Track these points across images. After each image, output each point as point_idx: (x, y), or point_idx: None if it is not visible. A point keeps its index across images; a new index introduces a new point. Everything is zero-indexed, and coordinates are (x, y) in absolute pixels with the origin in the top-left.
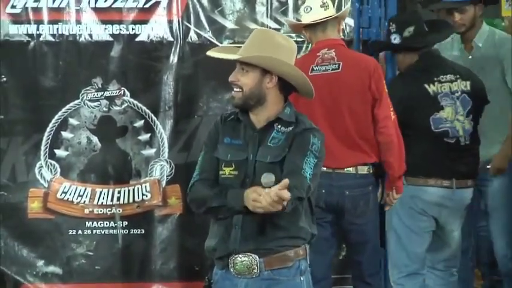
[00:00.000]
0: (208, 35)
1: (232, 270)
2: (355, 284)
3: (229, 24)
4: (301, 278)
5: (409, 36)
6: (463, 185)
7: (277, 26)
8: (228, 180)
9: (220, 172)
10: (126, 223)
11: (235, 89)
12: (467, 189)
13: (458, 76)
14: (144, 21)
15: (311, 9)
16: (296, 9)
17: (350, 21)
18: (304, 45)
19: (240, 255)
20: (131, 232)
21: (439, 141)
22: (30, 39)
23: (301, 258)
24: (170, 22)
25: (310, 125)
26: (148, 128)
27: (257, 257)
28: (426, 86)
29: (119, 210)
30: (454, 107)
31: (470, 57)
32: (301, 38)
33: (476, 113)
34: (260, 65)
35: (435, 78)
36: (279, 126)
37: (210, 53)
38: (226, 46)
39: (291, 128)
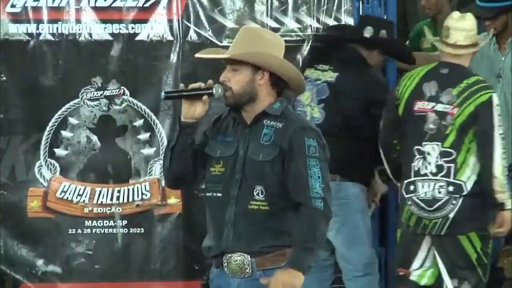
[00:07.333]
0: (208, 34)
1: (226, 269)
2: None
3: (229, 23)
4: None
5: None
6: None
7: (277, 25)
8: (216, 177)
9: (211, 169)
10: (126, 222)
11: (225, 89)
12: None
13: (331, 67)
14: (144, 21)
15: None
16: (296, 8)
17: (350, 20)
18: (304, 45)
19: (233, 255)
20: (131, 231)
21: None
22: (29, 38)
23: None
24: (170, 21)
25: (302, 123)
26: (148, 127)
27: (249, 257)
28: (307, 69)
29: (119, 210)
30: (311, 93)
31: (503, 58)
32: (301, 37)
33: (331, 104)
34: (250, 61)
35: (315, 65)
36: (268, 121)
37: (198, 55)
38: (213, 48)
39: (280, 125)
